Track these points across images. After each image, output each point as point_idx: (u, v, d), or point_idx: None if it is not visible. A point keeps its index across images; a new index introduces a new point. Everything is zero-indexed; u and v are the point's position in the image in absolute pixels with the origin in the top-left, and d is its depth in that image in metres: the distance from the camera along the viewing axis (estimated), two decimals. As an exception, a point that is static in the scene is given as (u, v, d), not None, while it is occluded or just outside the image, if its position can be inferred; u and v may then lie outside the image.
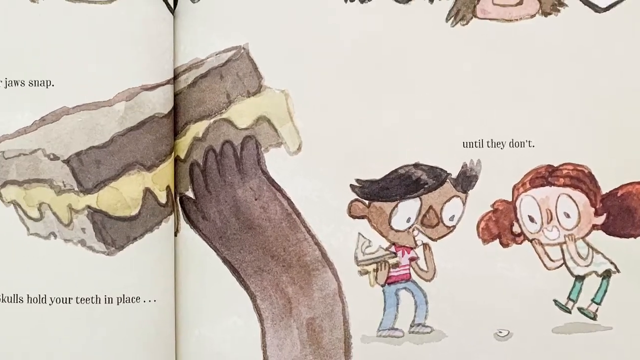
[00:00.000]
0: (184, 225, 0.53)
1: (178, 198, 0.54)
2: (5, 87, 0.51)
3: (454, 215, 0.54)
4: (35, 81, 0.51)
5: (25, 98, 0.51)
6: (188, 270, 0.53)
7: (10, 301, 0.51)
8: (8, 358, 0.51)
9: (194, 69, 0.53)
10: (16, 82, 0.51)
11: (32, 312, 0.51)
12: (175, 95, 0.53)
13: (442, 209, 0.54)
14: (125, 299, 0.51)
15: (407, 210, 0.54)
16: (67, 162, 0.51)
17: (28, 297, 0.51)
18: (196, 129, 0.53)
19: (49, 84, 0.51)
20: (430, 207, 0.54)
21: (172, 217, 0.53)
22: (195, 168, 0.53)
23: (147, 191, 0.52)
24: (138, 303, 0.51)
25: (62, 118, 0.51)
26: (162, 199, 0.53)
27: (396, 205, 0.54)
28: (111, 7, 0.52)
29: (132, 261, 0.52)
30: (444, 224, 0.54)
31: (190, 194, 0.53)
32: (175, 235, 0.54)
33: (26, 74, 0.51)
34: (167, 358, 0.53)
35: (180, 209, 0.54)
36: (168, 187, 0.53)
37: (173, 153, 0.53)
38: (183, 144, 0.53)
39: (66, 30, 0.52)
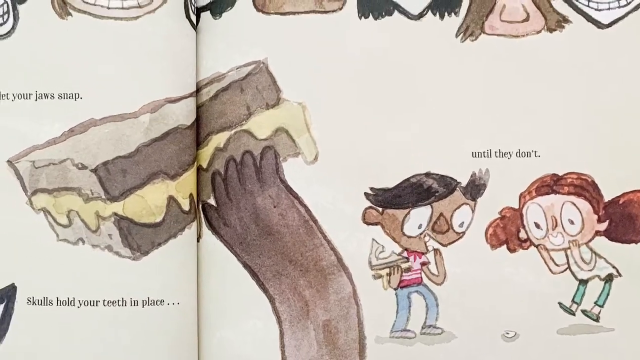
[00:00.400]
0: (206, 231, 0.54)
1: (200, 205, 0.54)
2: (36, 100, 0.52)
3: (463, 222, 0.54)
4: (64, 94, 0.52)
5: (54, 110, 0.52)
6: (210, 275, 0.53)
7: (41, 304, 0.51)
8: (38, 358, 0.52)
9: (216, 82, 0.54)
10: (46, 95, 0.52)
11: (61, 314, 0.51)
12: (198, 107, 0.54)
13: (452, 216, 0.54)
14: (150, 302, 0.52)
15: (418, 217, 0.54)
16: (94, 171, 0.52)
17: (57, 300, 0.51)
18: (218, 139, 0.54)
19: (77, 96, 0.52)
20: (441, 214, 0.54)
21: (194, 224, 0.53)
22: (217, 177, 0.54)
23: (171, 199, 0.52)
24: (162, 306, 0.52)
25: (90, 129, 0.52)
26: (185, 206, 0.53)
27: (408, 213, 0.54)
28: (137, 23, 0.52)
29: (157, 266, 0.52)
30: (453, 230, 0.54)
31: (212, 201, 0.54)
32: (198, 241, 0.54)
33: (55, 87, 0.52)
34: (190, 359, 0.53)
35: (202, 216, 0.54)
36: (191, 195, 0.53)
37: (196, 162, 0.53)
38: (205, 154, 0.54)
39: (94, 46, 0.52)
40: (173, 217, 0.52)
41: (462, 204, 0.54)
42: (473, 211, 0.54)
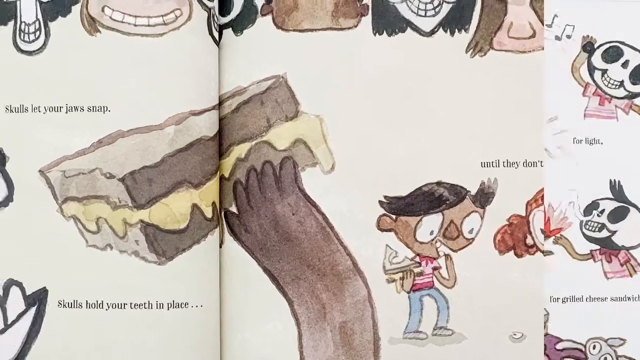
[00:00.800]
0: (228, 237, 0.55)
1: (223, 213, 0.55)
2: (66, 113, 0.52)
3: (473, 229, 0.55)
4: (93, 107, 0.52)
5: (84, 122, 0.52)
6: (232, 279, 0.54)
7: (71, 306, 0.52)
8: (68, 359, 0.53)
9: (237, 96, 0.54)
10: (76, 108, 0.52)
11: (90, 316, 0.52)
12: (220, 119, 0.54)
13: (462, 223, 0.55)
14: (174, 305, 0.52)
15: (430, 224, 0.55)
16: (122, 180, 0.52)
17: (87, 303, 0.52)
18: (239, 150, 0.54)
19: (105, 109, 0.52)
20: (452, 221, 0.55)
21: (217, 230, 0.54)
22: (239, 186, 0.54)
23: (195, 207, 0.53)
24: (186, 308, 0.52)
25: (118, 140, 0.52)
26: (208, 213, 0.53)
27: (420, 220, 0.55)
28: (162, 40, 0.53)
29: (181, 270, 0.53)
30: (463, 237, 0.55)
31: (233, 209, 0.55)
32: (220, 246, 0.54)
33: (85, 101, 0.52)
34: None
35: (224, 223, 0.55)
36: (214, 203, 0.54)
37: (218, 172, 0.54)
38: (227, 164, 0.54)
39: (122, 61, 0.52)
40: (197, 224, 0.53)
41: (472, 212, 0.55)
42: (482, 218, 0.55)
